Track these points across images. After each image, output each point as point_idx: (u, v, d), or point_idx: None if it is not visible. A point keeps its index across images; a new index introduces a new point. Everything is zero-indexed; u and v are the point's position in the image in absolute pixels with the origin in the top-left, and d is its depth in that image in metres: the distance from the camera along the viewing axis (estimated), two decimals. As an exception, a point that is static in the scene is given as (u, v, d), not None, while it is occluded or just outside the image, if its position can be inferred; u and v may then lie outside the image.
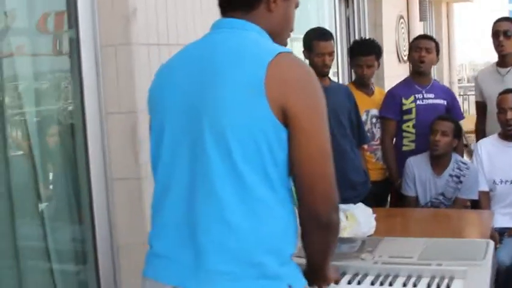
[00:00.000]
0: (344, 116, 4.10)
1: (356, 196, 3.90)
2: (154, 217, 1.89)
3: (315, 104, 1.74)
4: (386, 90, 5.01)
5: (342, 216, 2.95)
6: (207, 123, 1.73)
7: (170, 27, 2.93)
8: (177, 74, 1.86)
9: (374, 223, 3.20)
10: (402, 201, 4.50)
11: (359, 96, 4.46)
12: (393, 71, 7.10)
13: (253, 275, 1.71)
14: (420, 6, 9.04)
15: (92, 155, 2.73)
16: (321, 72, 3.94)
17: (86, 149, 2.72)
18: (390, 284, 2.46)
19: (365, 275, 2.54)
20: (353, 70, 5.08)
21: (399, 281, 2.48)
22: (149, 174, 2.25)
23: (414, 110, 4.62)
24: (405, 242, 2.87)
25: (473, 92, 14.16)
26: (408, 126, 4.65)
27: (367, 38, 5.80)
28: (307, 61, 4.04)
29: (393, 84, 5.01)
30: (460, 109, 5.15)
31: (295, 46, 4.44)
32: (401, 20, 7.96)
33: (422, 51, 4.66)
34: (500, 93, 4.43)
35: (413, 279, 2.47)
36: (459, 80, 19.42)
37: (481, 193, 4.32)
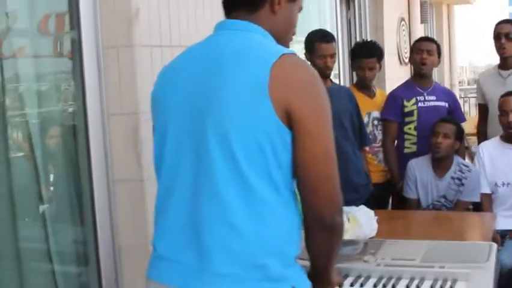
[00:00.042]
0: (345, 118, 4.09)
1: (358, 198, 3.89)
2: (157, 219, 1.88)
3: (320, 106, 1.74)
4: (388, 93, 5.00)
5: (344, 218, 2.94)
6: (210, 125, 1.72)
7: (172, 28, 2.93)
8: (180, 76, 1.86)
9: (376, 225, 3.20)
10: (403, 203, 4.49)
11: (360, 98, 4.46)
12: (394, 73, 7.10)
13: (257, 277, 1.70)
14: (421, 8, 9.05)
15: (94, 157, 2.72)
16: (323, 74, 3.93)
17: (88, 150, 2.72)
18: (393, 286, 2.46)
19: (368, 277, 2.54)
20: (354, 72, 5.08)
21: (402, 284, 2.47)
22: (152, 176, 2.24)
23: (415, 112, 4.62)
24: (408, 244, 2.86)
25: (473, 95, 14.21)
26: (409, 129, 4.64)
27: (369, 40, 5.79)
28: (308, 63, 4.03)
29: (395, 87, 5.00)
30: (462, 111, 5.15)
31: (297, 48, 4.43)
32: (402, 22, 7.96)
33: (424, 53, 4.67)
34: (502, 96, 4.43)
35: (416, 282, 2.47)
36: (459, 82, 19.42)
37: (483, 195, 4.31)
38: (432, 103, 4.66)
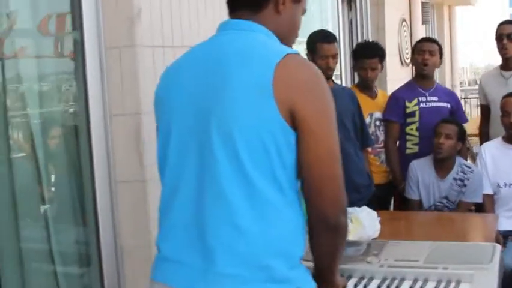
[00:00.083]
0: (347, 118, 4.08)
1: (360, 199, 3.88)
2: (161, 219, 1.87)
3: (324, 106, 1.74)
4: (389, 93, 5.00)
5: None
6: (214, 125, 1.72)
7: (174, 28, 2.92)
8: (184, 75, 1.85)
9: (378, 226, 3.19)
10: (405, 204, 4.49)
11: (362, 99, 4.45)
12: (395, 74, 7.09)
13: (262, 279, 1.69)
14: (422, 9, 9.04)
15: (96, 157, 2.72)
16: (325, 74, 3.91)
17: (90, 151, 2.71)
18: (397, 288, 2.45)
19: (371, 279, 2.53)
20: (356, 73, 5.07)
21: (406, 285, 2.46)
22: (154, 177, 2.23)
23: (417, 113, 4.61)
24: (411, 246, 2.85)
25: (474, 95, 14.21)
26: (411, 129, 4.64)
27: (370, 40, 5.79)
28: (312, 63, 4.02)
29: (396, 87, 5.00)
30: (464, 112, 5.14)
31: (299, 49, 4.41)
32: (404, 23, 7.95)
33: (426, 54, 4.66)
34: (504, 97, 4.41)
35: (419, 283, 2.46)
36: (460, 83, 19.43)
37: (485, 196, 4.30)
38: (434, 104, 4.65)
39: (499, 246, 2.76)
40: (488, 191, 4.32)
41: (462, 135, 4.35)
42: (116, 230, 2.77)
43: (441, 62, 4.86)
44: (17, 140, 2.64)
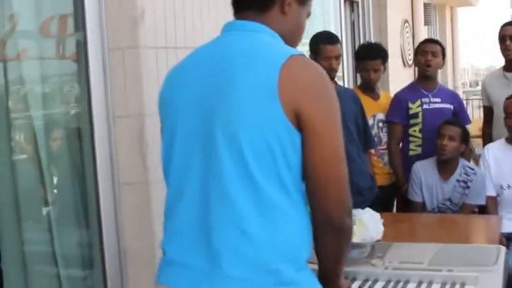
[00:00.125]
0: (350, 120, 4.07)
1: (363, 201, 3.87)
2: (167, 222, 1.86)
3: (329, 107, 1.73)
4: (392, 95, 4.99)
5: (350, 221, 2.93)
6: (219, 125, 1.71)
7: (178, 30, 2.91)
8: (189, 76, 1.85)
9: (382, 228, 3.18)
10: (408, 206, 4.47)
11: (365, 100, 4.44)
12: (398, 75, 7.09)
13: (270, 282, 1.68)
14: (424, 10, 9.03)
15: (100, 159, 2.71)
16: (328, 76, 3.91)
17: (94, 153, 2.71)
18: (401, 290, 2.44)
19: (375, 281, 2.52)
20: (359, 74, 5.06)
21: (410, 287, 2.45)
22: (158, 179, 2.22)
23: (420, 114, 4.60)
24: (415, 248, 2.84)
25: (475, 97, 14.20)
26: (414, 131, 4.62)
27: (373, 42, 5.78)
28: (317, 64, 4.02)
29: (398, 89, 4.99)
30: (467, 113, 5.13)
31: (301, 50, 4.42)
32: (406, 24, 7.94)
33: (429, 55, 4.65)
34: (507, 98, 4.41)
35: (424, 285, 2.45)
36: (462, 84, 19.43)
37: (488, 198, 4.29)
38: (437, 105, 4.64)
39: (503, 248, 2.75)
40: (492, 192, 4.31)
41: (465, 137, 4.34)
42: (119, 232, 2.76)
43: (444, 63, 4.85)
44: (20, 142, 2.63)
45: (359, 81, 5.44)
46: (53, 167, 2.70)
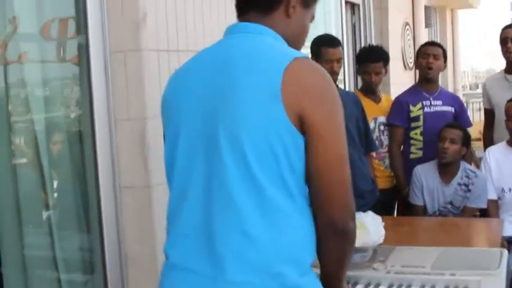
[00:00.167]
0: (351, 123, 4.06)
1: (364, 205, 3.86)
2: (169, 226, 1.85)
3: (333, 110, 1.72)
4: (393, 97, 4.98)
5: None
6: (222, 128, 1.70)
7: (180, 33, 2.91)
8: (192, 79, 1.84)
9: (383, 231, 3.17)
10: (409, 209, 4.46)
11: (366, 103, 4.43)
12: (399, 78, 7.08)
13: (273, 286, 1.67)
14: (425, 12, 9.02)
15: (101, 163, 2.70)
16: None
17: (95, 156, 2.70)
18: (404, 294, 2.43)
19: (378, 285, 2.51)
20: (360, 77, 5.05)
21: (413, 291, 2.45)
22: (159, 182, 2.21)
23: (421, 117, 4.59)
24: (418, 251, 2.84)
25: (475, 99, 14.19)
26: (415, 134, 4.62)
27: (375, 44, 5.77)
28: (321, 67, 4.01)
29: (399, 91, 4.98)
30: (468, 116, 5.12)
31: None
32: (407, 27, 7.94)
33: (430, 57, 4.64)
34: (509, 101, 4.40)
35: (426, 290, 2.45)
36: (462, 87, 19.43)
37: (490, 201, 4.28)
38: (438, 108, 4.63)
39: (506, 252, 2.74)
40: (493, 196, 4.30)
41: (467, 140, 4.33)
42: (120, 236, 2.76)
43: (445, 66, 4.84)
44: (21, 145, 2.63)
45: (359, 84, 5.42)
46: (54, 170, 2.69)
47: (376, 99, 4.73)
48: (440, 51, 4.72)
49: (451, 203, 4.24)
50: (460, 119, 4.67)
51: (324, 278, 1.85)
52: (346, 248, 1.80)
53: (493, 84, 5.03)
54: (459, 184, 4.23)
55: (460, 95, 13.33)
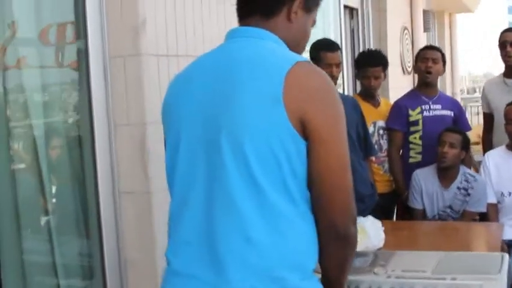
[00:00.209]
0: (351, 128, 4.05)
1: (364, 209, 3.85)
2: (171, 232, 1.84)
3: (335, 114, 1.72)
4: (391, 102, 4.98)
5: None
6: (224, 133, 1.69)
7: (179, 38, 2.90)
8: (193, 83, 1.83)
9: (383, 235, 3.16)
10: (409, 213, 4.46)
11: (365, 107, 4.43)
12: (397, 82, 7.08)
13: None
14: (424, 17, 9.03)
15: (100, 168, 2.70)
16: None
17: (94, 161, 2.70)
18: (405, 299, 2.43)
19: (378, 290, 2.51)
20: (359, 81, 5.05)
21: (414, 296, 2.45)
22: (159, 188, 2.20)
23: (421, 121, 4.59)
24: (418, 256, 2.83)
25: (473, 104, 14.18)
26: (415, 138, 4.61)
27: (373, 49, 5.77)
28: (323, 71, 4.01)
29: (398, 96, 4.98)
30: (467, 120, 5.12)
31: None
32: (405, 31, 7.94)
33: (429, 61, 4.64)
34: (508, 104, 4.40)
35: (427, 294, 2.44)
36: (460, 90, 19.44)
37: (489, 205, 4.28)
38: (437, 112, 4.63)
39: (507, 256, 2.73)
40: (492, 200, 4.30)
41: (466, 144, 4.33)
42: (120, 242, 2.75)
43: (444, 70, 4.84)
44: (20, 150, 2.62)
45: (358, 89, 5.42)
46: (53, 175, 2.68)
47: (375, 103, 4.73)
48: (439, 55, 4.72)
49: (450, 207, 4.24)
50: (459, 123, 4.67)
51: (325, 282, 1.84)
52: (347, 253, 1.80)
53: (492, 88, 5.03)
54: (458, 188, 4.22)
55: (458, 99, 13.35)
